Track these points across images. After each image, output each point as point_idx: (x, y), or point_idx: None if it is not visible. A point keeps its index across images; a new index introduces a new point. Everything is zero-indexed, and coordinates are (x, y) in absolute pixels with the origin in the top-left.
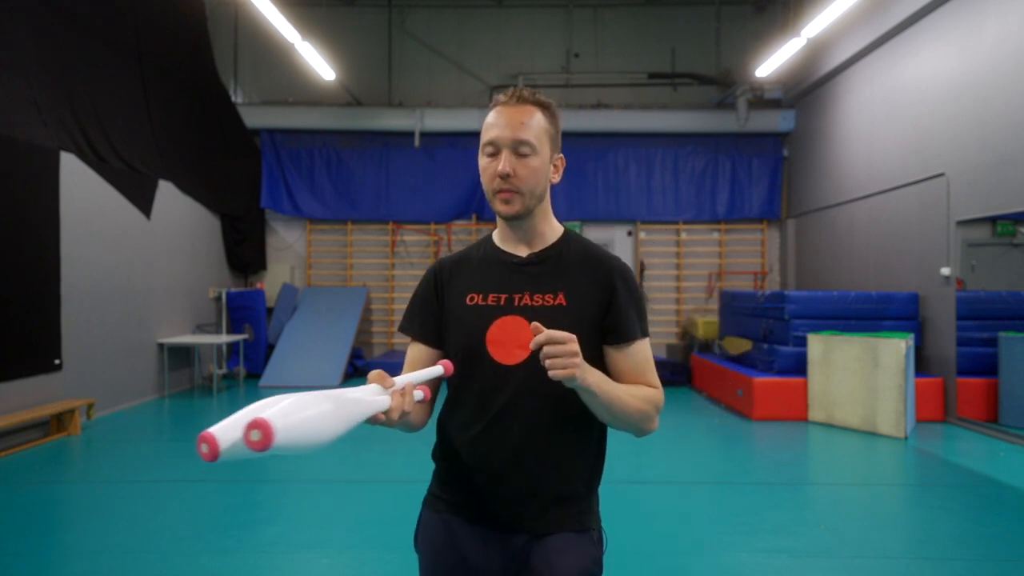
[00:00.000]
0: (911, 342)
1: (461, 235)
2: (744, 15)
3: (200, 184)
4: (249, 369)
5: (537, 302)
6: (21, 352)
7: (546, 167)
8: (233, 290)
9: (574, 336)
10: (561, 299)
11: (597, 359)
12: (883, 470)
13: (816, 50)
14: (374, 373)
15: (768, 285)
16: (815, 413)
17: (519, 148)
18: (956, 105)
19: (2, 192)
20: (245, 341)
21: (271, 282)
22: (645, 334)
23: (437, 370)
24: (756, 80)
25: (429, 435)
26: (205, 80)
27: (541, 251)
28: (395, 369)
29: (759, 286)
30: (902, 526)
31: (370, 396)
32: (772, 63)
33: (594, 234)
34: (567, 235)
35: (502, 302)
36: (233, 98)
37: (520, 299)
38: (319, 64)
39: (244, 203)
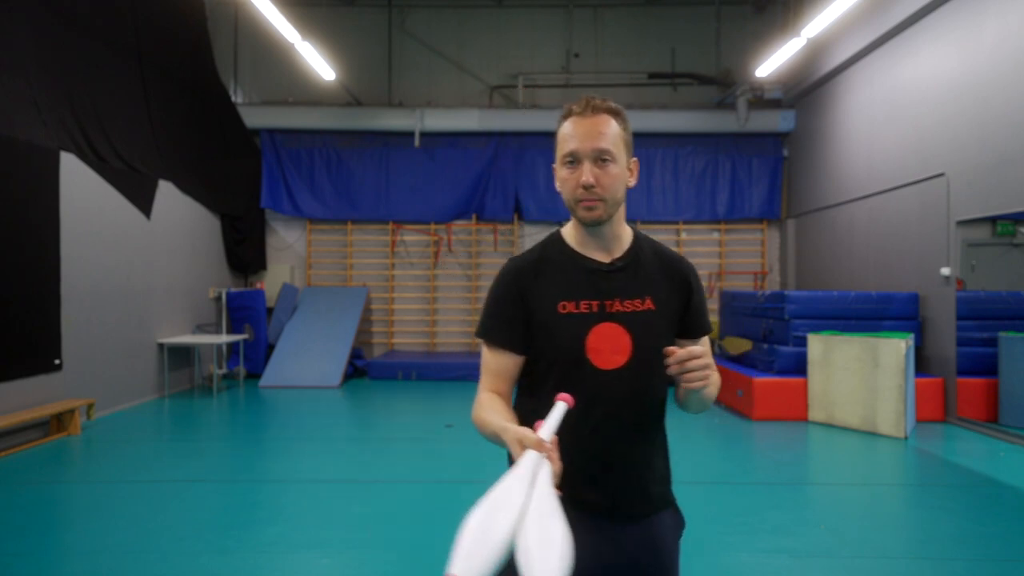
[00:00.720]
0: (911, 342)
1: (461, 235)
2: (744, 15)
3: (200, 184)
4: (249, 369)
5: (628, 307)
6: (21, 352)
7: (624, 173)
8: (233, 290)
9: (706, 350)
10: (649, 303)
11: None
12: (883, 470)
13: (816, 50)
14: (529, 440)
15: (768, 285)
16: (815, 413)
17: (600, 157)
18: (956, 105)
19: (2, 192)
20: (245, 341)
21: (271, 282)
22: (709, 329)
23: (562, 408)
24: (756, 80)
25: (427, 437)
26: (205, 80)
27: (622, 256)
28: (395, 370)
29: (759, 286)
30: (902, 526)
31: (533, 468)
32: (772, 63)
33: None
34: (638, 237)
35: (595, 309)
36: (233, 98)
37: (612, 305)
38: (319, 64)
39: (244, 203)
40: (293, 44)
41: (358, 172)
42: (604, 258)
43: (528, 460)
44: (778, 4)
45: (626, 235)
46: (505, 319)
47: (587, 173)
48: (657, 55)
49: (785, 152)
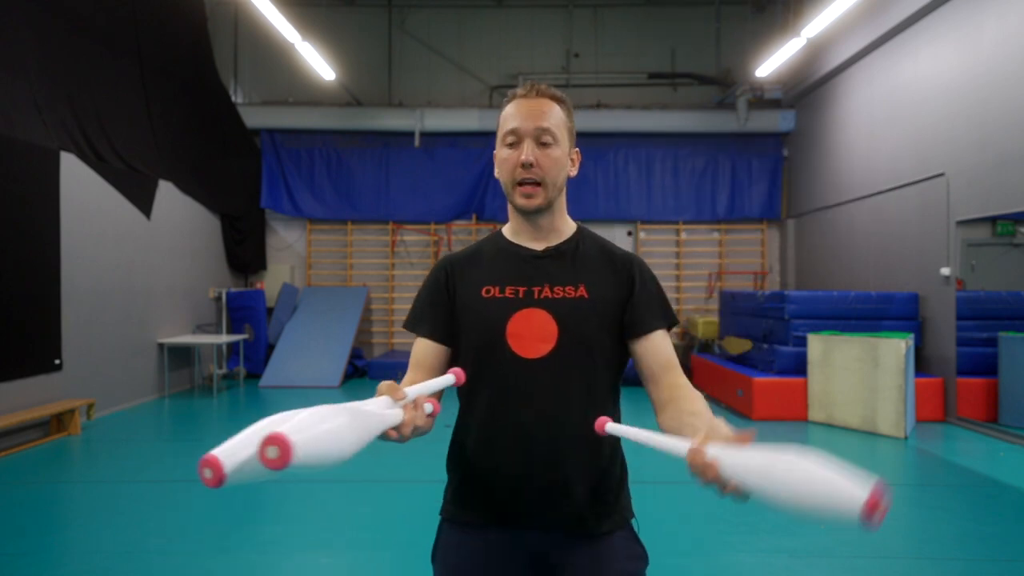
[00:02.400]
0: (911, 342)
1: (461, 235)
2: (744, 15)
3: (200, 184)
4: (249, 369)
5: (558, 294)
6: (21, 352)
7: (565, 159)
8: (233, 290)
9: (706, 430)
10: (583, 291)
11: (619, 356)
12: (883, 470)
13: (816, 50)
14: (384, 384)
15: (768, 285)
16: (815, 413)
17: (541, 137)
18: (956, 105)
19: (2, 192)
20: (245, 341)
21: (271, 282)
22: (664, 325)
23: (447, 379)
24: (756, 80)
25: (427, 436)
26: (205, 80)
27: (558, 244)
28: (395, 370)
29: (759, 286)
30: (902, 526)
31: (381, 409)
32: (772, 63)
33: None
34: (582, 230)
35: (520, 295)
36: (233, 98)
37: (540, 291)
38: (319, 64)
39: (244, 203)
40: (293, 44)
41: (358, 172)
42: (538, 247)
43: (373, 400)
44: (778, 4)
45: (567, 228)
46: (426, 307)
47: (528, 151)
48: (657, 55)
49: (785, 152)
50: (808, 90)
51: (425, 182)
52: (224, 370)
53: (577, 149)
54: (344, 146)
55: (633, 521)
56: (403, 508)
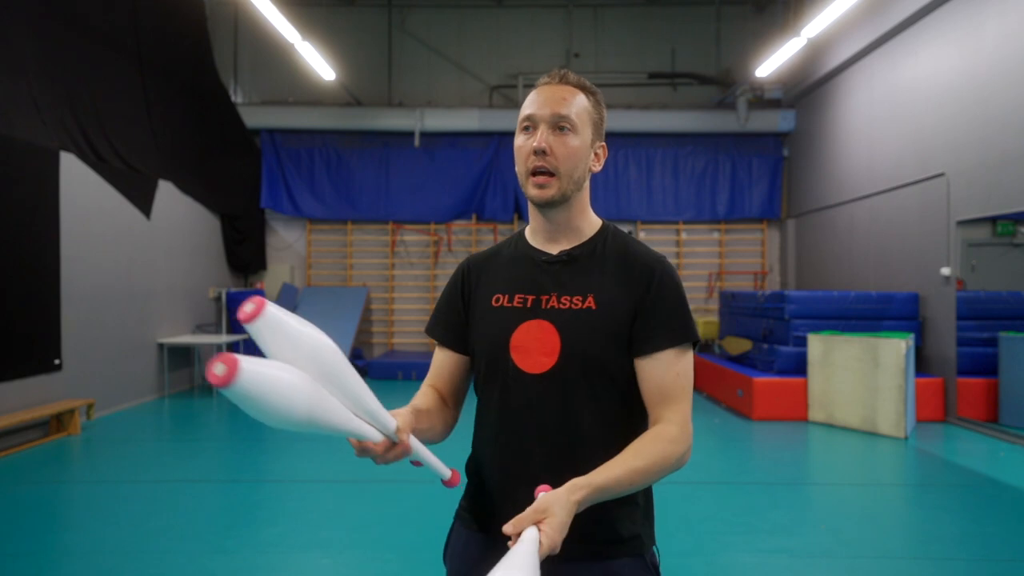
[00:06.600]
0: (911, 342)
1: (461, 235)
2: (744, 15)
3: (200, 184)
4: None
5: (564, 304)
6: (21, 352)
7: (586, 151)
8: (233, 290)
9: (542, 509)
10: (591, 302)
11: (632, 379)
12: (883, 470)
13: (816, 50)
14: (404, 420)
15: (768, 285)
16: (815, 413)
17: (558, 123)
18: (956, 105)
19: (2, 192)
20: (245, 341)
21: (271, 282)
22: (676, 343)
23: (444, 474)
24: (756, 80)
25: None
26: (205, 80)
27: (574, 247)
28: (395, 370)
29: (759, 286)
30: (902, 526)
31: (368, 421)
32: (772, 63)
33: None
34: (605, 230)
35: (528, 304)
36: (233, 98)
37: (548, 301)
38: (319, 64)
39: (244, 203)
40: (293, 44)
41: (358, 172)
42: (554, 249)
43: (378, 411)
44: (778, 4)
45: (588, 227)
46: (443, 312)
47: (541, 137)
48: (657, 55)
49: (785, 152)
50: (808, 90)
51: (425, 182)
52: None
53: (604, 144)
54: (344, 146)
55: (655, 551)
56: (404, 508)
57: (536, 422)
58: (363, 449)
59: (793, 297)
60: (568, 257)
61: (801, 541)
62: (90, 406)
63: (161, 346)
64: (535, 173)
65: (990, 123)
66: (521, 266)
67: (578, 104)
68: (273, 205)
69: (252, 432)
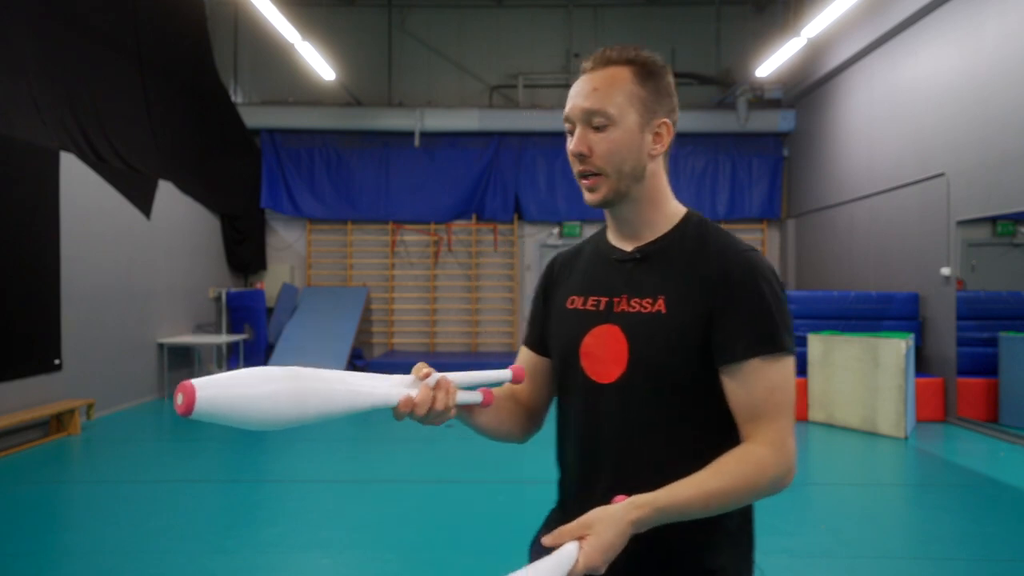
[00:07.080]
0: (911, 342)
1: (461, 235)
2: (744, 15)
3: (200, 184)
4: None
5: (634, 308)
6: (21, 352)
7: (634, 139)
8: (233, 290)
9: (572, 533)
10: (661, 305)
11: (709, 384)
12: (883, 470)
13: (816, 50)
14: (418, 365)
15: None
16: (815, 413)
17: (591, 120)
18: (956, 105)
19: (2, 192)
20: (245, 341)
21: (271, 282)
22: (761, 353)
23: (503, 374)
24: (756, 80)
25: (428, 437)
26: (205, 80)
27: (646, 244)
28: (396, 371)
29: None
30: (902, 526)
31: (386, 386)
32: (772, 63)
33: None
34: (687, 222)
35: (602, 307)
36: (233, 98)
37: (619, 304)
38: (319, 64)
39: (244, 203)
40: (293, 44)
41: (358, 172)
42: (629, 247)
43: (396, 377)
44: (778, 4)
45: (664, 219)
46: (532, 312)
47: (576, 140)
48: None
49: (785, 152)
50: (808, 90)
51: (425, 182)
52: (224, 370)
53: (666, 121)
54: (344, 146)
55: None
56: (404, 508)
57: (603, 435)
58: (398, 411)
59: (793, 297)
60: (641, 255)
61: (801, 541)
62: (90, 406)
63: (161, 346)
64: (582, 176)
65: (990, 123)
66: (597, 265)
67: (615, 89)
68: (273, 205)
69: (252, 432)
